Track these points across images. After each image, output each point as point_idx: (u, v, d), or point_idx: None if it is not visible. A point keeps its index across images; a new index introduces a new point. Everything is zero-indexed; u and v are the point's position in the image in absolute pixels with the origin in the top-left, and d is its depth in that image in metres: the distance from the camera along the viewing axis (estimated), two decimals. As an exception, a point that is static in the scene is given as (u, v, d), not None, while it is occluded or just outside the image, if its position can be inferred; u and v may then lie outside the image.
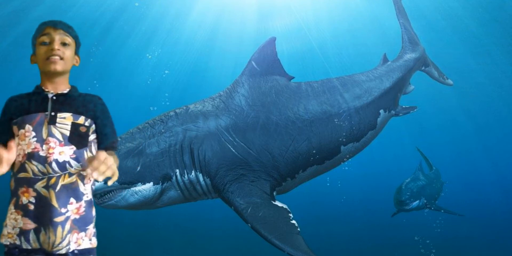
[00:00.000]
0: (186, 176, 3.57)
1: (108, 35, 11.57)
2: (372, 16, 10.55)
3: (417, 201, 6.88)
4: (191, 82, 14.25)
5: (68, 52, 1.85)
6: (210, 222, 9.82)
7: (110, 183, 1.77)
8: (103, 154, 1.68)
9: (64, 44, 1.85)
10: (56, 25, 1.85)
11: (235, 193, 3.55)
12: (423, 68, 5.72)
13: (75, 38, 1.91)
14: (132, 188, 3.38)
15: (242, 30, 11.55)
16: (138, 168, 3.39)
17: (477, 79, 12.28)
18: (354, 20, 10.90)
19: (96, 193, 3.32)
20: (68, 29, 1.88)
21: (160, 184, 3.47)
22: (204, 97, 4.07)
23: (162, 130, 3.61)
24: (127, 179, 3.34)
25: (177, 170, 3.54)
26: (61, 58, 1.82)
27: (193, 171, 3.59)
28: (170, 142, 3.57)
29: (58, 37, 1.84)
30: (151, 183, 3.43)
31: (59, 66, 1.82)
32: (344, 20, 10.93)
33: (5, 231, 1.80)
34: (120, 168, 1.90)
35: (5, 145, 1.74)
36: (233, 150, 3.69)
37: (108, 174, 1.70)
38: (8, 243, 1.78)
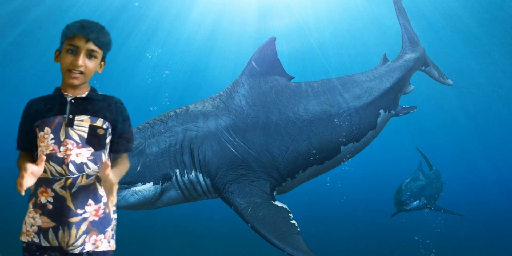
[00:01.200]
0: (186, 176, 3.57)
1: (108, 35, 11.54)
2: (372, 16, 10.55)
3: (417, 201, 6.87)
4: (191, 82, 14.23)
5: (92, 64, 1.84)
6: (210, 222, 9.80)
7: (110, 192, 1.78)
8: (107, 171, 1.71)
9: (90, 56, 1.83)
10: (88, 35, 1.80)
11: (235, 193, 3.55)
12: (423, 68, 5.72)
13: (105, 47, 1.87)
14: (132, 188, 3.38)
15: (242, 30, 11.54)
16: (138, 168, 3.39)
17: (477, 79, 12.28)
18: (354, 20, 10.89)
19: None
20: (98, 40, 1.83)
21: (160, 184, 3.47)
22: (204, 97, 4.07)
23: (162, 130, 3.61)
24: (127, 179, 3.33)
25: (177, 170, 3.54)
26: (82, 73, 1.82)
27: (193, 171, 3.59)
28: (170, 142, 3.56)
29: (86, 50, 1.81)
30: (151, 183, 3.43)
31: (77, 81, 1.84)
32: (344, 20, 10.92)
33: (24, 229, 1.85)
34: None
35: (32, 151, 1.87)
36: (233, 150, 3.69)
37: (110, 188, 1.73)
38: (26, 241, 1.83)
